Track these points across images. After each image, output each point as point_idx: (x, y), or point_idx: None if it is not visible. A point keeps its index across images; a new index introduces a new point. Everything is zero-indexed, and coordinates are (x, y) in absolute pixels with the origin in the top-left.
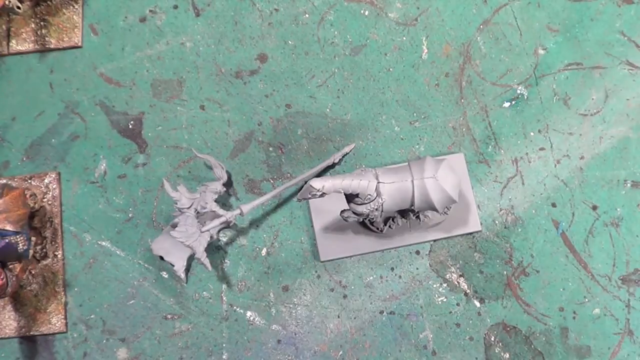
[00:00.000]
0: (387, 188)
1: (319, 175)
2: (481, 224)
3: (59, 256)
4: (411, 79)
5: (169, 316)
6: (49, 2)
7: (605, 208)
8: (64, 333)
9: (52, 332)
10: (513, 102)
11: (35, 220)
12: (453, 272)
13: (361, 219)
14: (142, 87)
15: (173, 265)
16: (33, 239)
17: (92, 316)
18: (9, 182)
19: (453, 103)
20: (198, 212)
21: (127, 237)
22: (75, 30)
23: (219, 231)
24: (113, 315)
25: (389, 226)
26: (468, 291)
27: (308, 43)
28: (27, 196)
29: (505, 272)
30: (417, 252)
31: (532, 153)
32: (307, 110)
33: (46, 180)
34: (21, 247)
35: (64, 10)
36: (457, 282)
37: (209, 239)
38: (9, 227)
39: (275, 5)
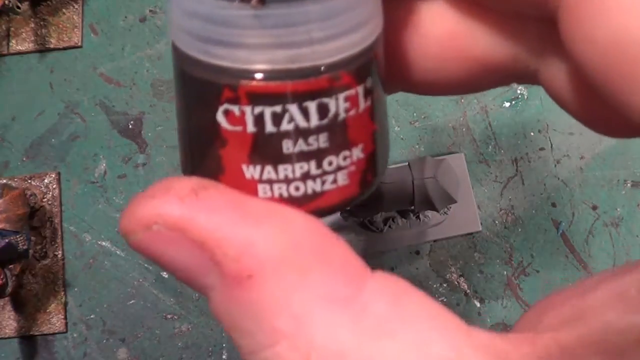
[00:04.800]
0: (387, 188)
1: None
2: (481, 224)
3: (59, 256)
4: None
5: (169, 316)
6: (49, 2)
7: (605, 208)
8: (64, 333)
9: (52, 332)
10: (513, 102)
11: (35, 220)
12: (453, 272)
13: (361, 219)
14: (142, 87)
15: None
16: (33, 239)
17: (92, 316)
18: (9, 182)
19: (453, 103)
20: None
21: None
22: (75, 30)
23: None
24: (113, 315)
25: (389, 226)
26: (468, 291)
27: None
28: (27, 196)
29: (505, 272)
30: (417, 252)
31: (532, 153)
32: None
33: (46, 180)
34: (21, 247)
35: (64, 10)
36: (457, 282)
37: None
38: (9, 227)
39: None
